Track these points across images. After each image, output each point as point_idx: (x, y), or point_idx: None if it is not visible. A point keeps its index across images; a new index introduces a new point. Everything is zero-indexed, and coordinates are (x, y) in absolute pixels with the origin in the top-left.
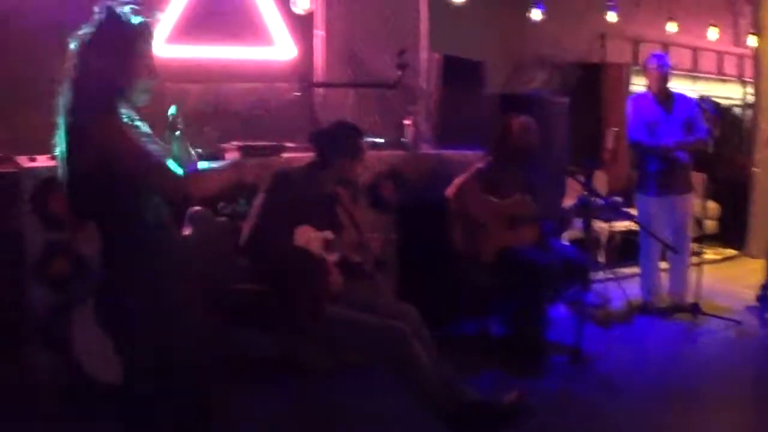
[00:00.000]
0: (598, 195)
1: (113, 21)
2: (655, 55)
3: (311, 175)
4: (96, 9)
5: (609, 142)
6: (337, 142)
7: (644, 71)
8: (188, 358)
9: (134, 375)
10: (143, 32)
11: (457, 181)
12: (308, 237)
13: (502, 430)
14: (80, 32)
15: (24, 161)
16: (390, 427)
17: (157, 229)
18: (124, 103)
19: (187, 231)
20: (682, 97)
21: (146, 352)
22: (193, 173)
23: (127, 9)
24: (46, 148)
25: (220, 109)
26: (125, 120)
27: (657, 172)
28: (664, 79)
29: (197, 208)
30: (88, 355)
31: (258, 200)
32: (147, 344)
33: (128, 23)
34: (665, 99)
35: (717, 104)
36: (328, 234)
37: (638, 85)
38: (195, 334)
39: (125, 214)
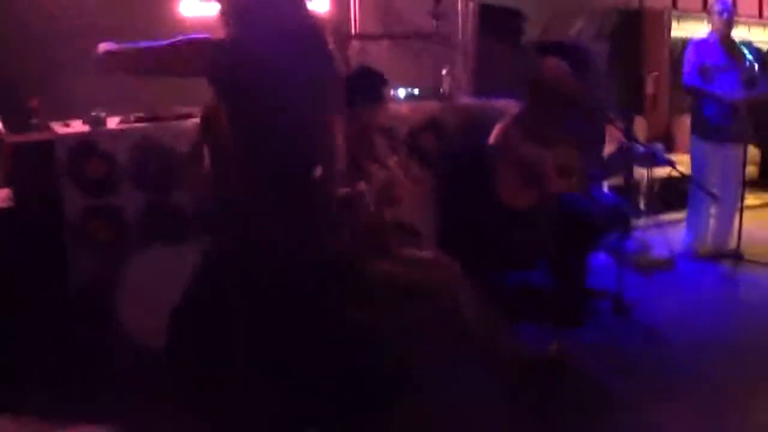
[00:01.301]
0: (638, 142)
1: None
2: (720, 0)
3: None
4: None
5: (649, 88)
6: (358, 88)
7: (709, 15)
8: None
9: None
10: None
11: (498, 128)
12: None
13: (546, 384)
14: None
15: (58, 128)
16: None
17: None
18: None
19: None
20: (745, 46)
21: None
22: None
23: None
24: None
25: None
26: None
27: (715, 117)
28: (728, 24)
29: None
30: (130, 318)
31: None
32: None
33: None
34: (729, 46)
35: (759, 50)
36: (361, 186)
37: (679, 30)
38: None
39: None
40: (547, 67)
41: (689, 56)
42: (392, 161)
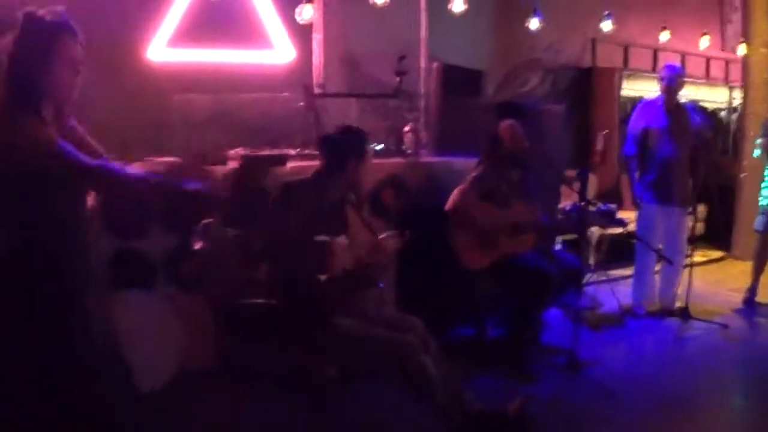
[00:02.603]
0: (593, 203)
1: (31, 24)
2: (666, 66)
3: (318, 183)
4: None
5: (599, 144)
6: (345, 145)
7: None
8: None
9: None
10: (62, 31)
11: (456, 193)
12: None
13: None
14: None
15: None
16: None
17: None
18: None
19: (198, 244)
20: (692, 108)
21: None
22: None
23: (43, 12)
24: None
25: (225, 113)
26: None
27: (657, 180)
28: (672, 90)
29: (209, 220)
30: None
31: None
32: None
33: (46, 25)
34: (674, 110)
35: (705, 109)
36: (342, 240)
37: (628, 89)
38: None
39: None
40: (502, 128)
41: (632, 122)
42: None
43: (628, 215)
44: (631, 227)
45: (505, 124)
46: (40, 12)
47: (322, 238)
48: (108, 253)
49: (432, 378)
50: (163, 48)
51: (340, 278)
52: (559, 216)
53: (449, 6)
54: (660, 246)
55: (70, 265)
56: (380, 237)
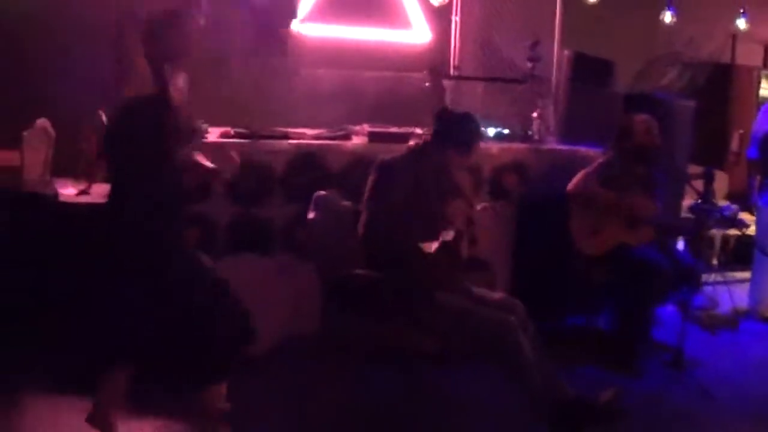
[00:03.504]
0: (713, 204)
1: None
2: None
3: (421, 155)
4: None
5: (734, 144)
6: (456, 130)
7: None
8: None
9: None
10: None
11: (579, 176)
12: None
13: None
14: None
15: None
16: (494, 417)
17: None
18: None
19: (311, 214)
20: None
21: None
22: None
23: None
24: None
25: (352, 90)
26: None
27: None
28: None
29: (323, 192)
30: None
31: (367, 192)
32: None
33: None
34: None
35: None
36: (447, 234)
37: (766, 89)
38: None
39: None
40: (637, 122)
41: (756, 125)
42: (475, 199)
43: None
44: (752, 229)
45: (641, 118)
46: None
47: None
48: (229, 218)
49: (527, 360)
50: (303, 23)
51: (442, 248)
52: (682, 214)
53: None
54: None
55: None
56: (476, 208)
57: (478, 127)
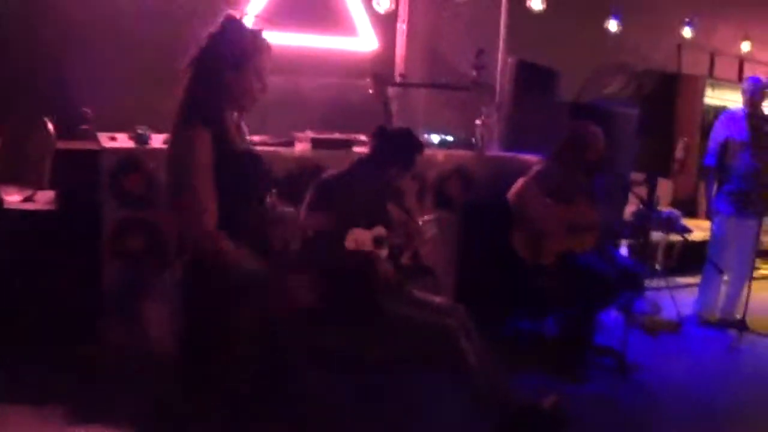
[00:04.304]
0: (656, 209)
1: (232, 27)
2: (749, 78)
3: (360, 173)
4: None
5: (679, 152)
6: (396, 149)
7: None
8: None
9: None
10: (260, 42)
11: (519, 184)
12: (358, 239)
13: None
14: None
15: (104, 139)
16: (440, 423)
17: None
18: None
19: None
20: None
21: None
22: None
23: (247, 19)
24: (127, 127)
25: (298, 97)
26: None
27: (735, 192)
28: (755, 103)
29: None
30: (157, 329)
31: (303, 210)
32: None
33: (247, 32)
34: (756, 122)
35: None
36: (379, 230)
37: (712, 98)
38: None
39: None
40: (591, 135)
41: (714, 133)
42: (418, 207)
43: (704, 224)
44: (697, 236)
45: (595, 130)
46: (242, 17)
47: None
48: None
49: (470, 365)
50: None
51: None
52: (625, 219)
53: (528, 3)
54: (730, 259)
55: None
56: (419, 220)
57: (417, 144)
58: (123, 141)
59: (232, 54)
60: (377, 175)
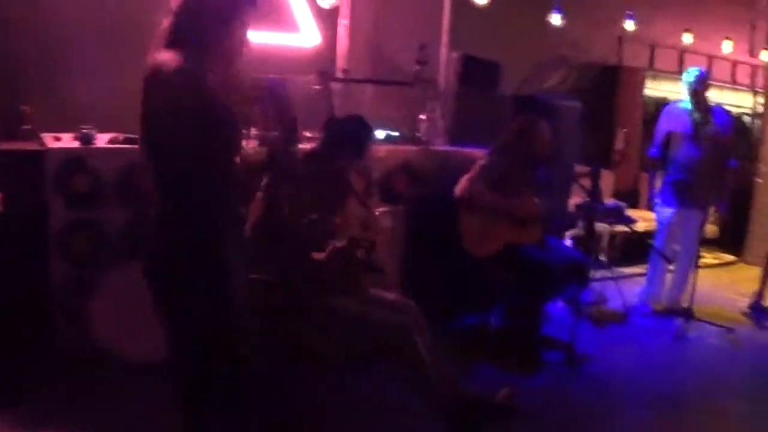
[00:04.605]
0: (600, 200)
1: None
2: (693, 70)
3: (309, 165)
4: None
5: (619, 143)
6: (347, 137)
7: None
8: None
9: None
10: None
11: (465, 179)
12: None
13: (490, 428)
14: None
15: (49, 140)
16: (392, 417)
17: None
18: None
19: None
20: (719, 112)
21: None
22: None
23: None
24: (71, 126)
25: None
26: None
27: (678, 183)
28: (697, 94)
29: None
30: (105, 329)
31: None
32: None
33: None
34: (698, 113)
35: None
36: (339, 241)
37: (653, 89)
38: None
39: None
40: (539, 128)
41: (659, 124)
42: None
43: (646, 215)
44: (641, 226)
45: (543, 125)
46: None
47: (313, 217)
48: (122, 224)
49: (423, 360)
50: None
51: (332, 257)
52: (569, 211)
53: None
54: (676, 247)
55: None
56: (375, 213)
57: (368, 129)
58: (68, 141)
59: (221, 11)
60: (330, 164)
